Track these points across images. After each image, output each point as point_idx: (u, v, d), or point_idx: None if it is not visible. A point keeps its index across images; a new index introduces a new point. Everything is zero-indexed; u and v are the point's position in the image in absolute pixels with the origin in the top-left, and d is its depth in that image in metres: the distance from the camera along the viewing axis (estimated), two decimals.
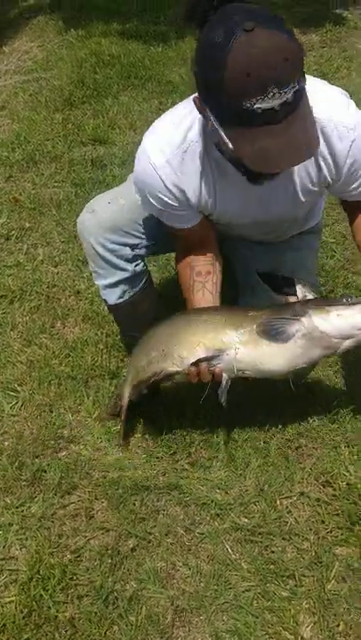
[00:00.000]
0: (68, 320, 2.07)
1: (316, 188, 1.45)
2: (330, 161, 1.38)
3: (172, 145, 1.37)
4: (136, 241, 1.62)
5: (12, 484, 1.60)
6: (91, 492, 1.58)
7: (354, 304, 1.41)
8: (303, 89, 1.14)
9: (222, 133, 1.18)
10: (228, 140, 1.17)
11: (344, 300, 1.43)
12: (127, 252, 1.63)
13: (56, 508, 1.55)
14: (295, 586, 1.38)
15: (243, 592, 1.37)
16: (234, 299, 1.78)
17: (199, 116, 1.30)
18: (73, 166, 2.86)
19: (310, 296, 1.69)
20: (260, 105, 1.08)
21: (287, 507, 1.52)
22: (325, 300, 1.46)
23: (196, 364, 1.45)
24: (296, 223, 1.67)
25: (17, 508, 1.55)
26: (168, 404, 1.75)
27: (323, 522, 1.49)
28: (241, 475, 1.59)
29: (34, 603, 1.36)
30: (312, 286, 1.74)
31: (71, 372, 1.87)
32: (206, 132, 1.33)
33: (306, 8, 4.77)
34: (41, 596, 1.37)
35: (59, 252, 2.38)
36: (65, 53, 4.10)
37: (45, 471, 1.62)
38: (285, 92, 1.09)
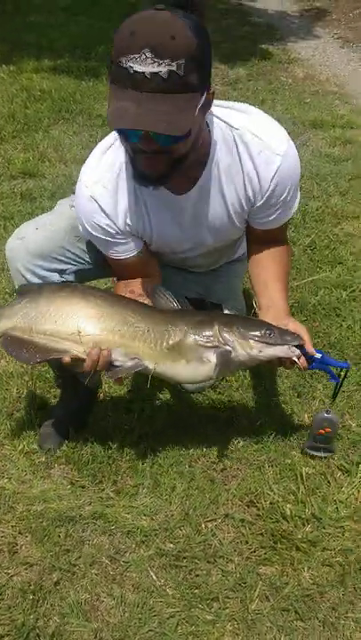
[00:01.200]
0: None
1: (245, 208, 1.49)
2: (255, 181, 1.43)
3: (105, 172, 1.43)
4: (64, 266, 1.62)
5: None
6: (14, 526, 1.55)
7: (275, 344, 1.42)
8: (186, 84, 1.16)
9: (108, 94, 1.23)
10: (107, 98, 1.23)
11: (266, 333, 1.42)
12: (56, 277, 1.62)
13: None
14: (219, 608, 1.38)
15: (167, 619, 1.36)
16: None
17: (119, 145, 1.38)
18: (2, 199, 2.87)
19: None
20: (132, 64, 1.13)
21: (212, 529, 1.53)
22: (248, 330, 1.42)
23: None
24: (232, 248, 1.72)
25: None
26: (93, 433, 1.75)
27: (247, 542, 1.50)
28: (166, 500, 1.59)
29: None
30: (238, 312, 1.79)
31: None
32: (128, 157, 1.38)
33: (234, 44, 4.99)
34: None
35: None
36: None
37: None
38: (160, 64, 1.12)
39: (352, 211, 2.77)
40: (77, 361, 1.43)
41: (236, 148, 1.40)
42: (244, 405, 1.83)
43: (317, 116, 3.71)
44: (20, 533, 1.54)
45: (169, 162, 1.28)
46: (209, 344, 1.42)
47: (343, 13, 6.02)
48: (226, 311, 1.80)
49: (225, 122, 1.41)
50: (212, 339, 1.42)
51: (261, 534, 1.51)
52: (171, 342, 1.42)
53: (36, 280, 1.60)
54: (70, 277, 1.65)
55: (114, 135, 1.43)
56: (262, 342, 1.42)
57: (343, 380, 1.57)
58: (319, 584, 1.42)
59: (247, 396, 1.86)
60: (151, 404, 1.85)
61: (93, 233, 1.49)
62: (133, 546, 1.50)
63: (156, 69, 1.13)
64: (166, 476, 1.65)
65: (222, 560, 1.47)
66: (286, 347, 1.42)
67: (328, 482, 1.63)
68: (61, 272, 1.63)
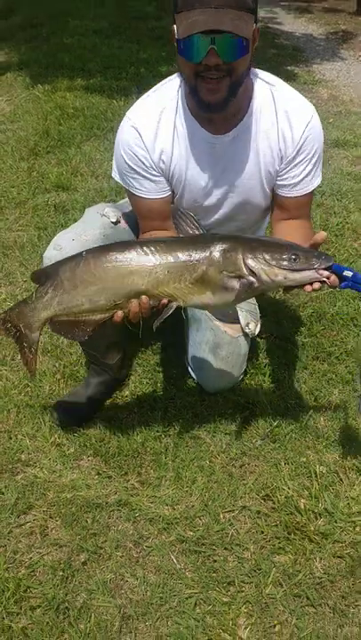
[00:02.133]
0: None
1: (275, 166, 1.61)
2: (288, 133, 1.57)
3: (149, 109, 1.58)
4: None
5: None
6: (45, 511, 1.66)
7: (301, 270, 1.36)
8: (246, 4, 1.35)
9: (175, 28, 1.39)
10: (175, 30, 1.39)
11: (291, 259, 1.36)
12: None
13: (12, 526, 1.63)
14: (235, 592, 1.48)
15: (186, 599, 1.46)
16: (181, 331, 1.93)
17: (176, 80, 1.56)
18: (37, 211, 3.02)
19: (252, 323, 1.83)
20: None
21: (230, 520, 1.63)
22: (273, 256, 1.37)
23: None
24: (253, 218, 1.77)
25: None
26: (120, 428, 1.86)
27: (262, 532, 1.60)
28: (187, 491, 1.70)
29: None
30: (253, 315, 1.89)
31: (29, 401, 1.97)
32: (180, 93, 1.56)
33: (261, 66, 5.14)
34: None
35: (21, 291, 2.50)
36: (31, 107, 4.32)
37: (3, 493, 1.71)
38: None
39: None
40: (123, 318, 1.47)
41: (273, 100, 1.56)
42: (263, 407, 1.93)
43: (340, 135, 3.82)
44: (50, 517, 1.65)
45: (229, 85, 1.42)
46: (233, 274, 1.40)
47: None
48: (241, 314, 1.87)
49: (262, 79, 1.58)
50: (236, 269, 1.39)
51: (276, 525, 1.61)
52: (195, 277, 1.41)
53: None
54: None
55: (159, 84, 1.59)
56: (287, 269, 1.36)
57: None
58: (330, 574, 1.51)
59: (265, 398, 1.95)
60: (174, 404, 1.95)
61: (129, 163, 1.60)
62: (156, 532, 1.61)
63: None
64: (188, 470, 1.75)
65: (239, 548, 1.57)
66: (312, 271, 1.36)
67: (341, 480, 1.72)
68: None
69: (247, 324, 1.88)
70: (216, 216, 1.73)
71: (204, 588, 1.48)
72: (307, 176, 1.64)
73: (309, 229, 1.73)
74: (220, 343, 1.87)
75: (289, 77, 4.87)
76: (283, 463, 1.77)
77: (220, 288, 1.41)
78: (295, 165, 1.61)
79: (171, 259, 1.41)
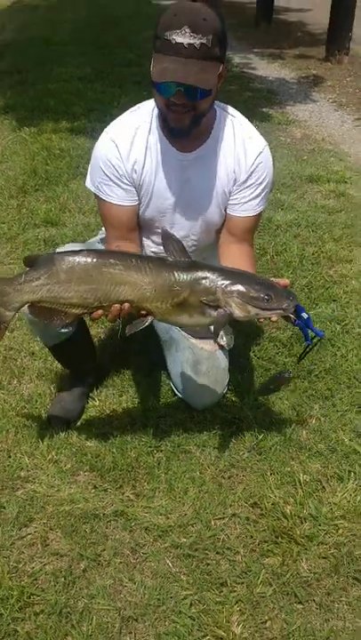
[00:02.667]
0: (23, 378, 2.29)
1: (230, 186, 1.81)
2: (242, 159, 1.79)
3: (126, 127, 1.77)
4: None
5: None
6: (46, 523, 1.75)
7: (272, 309, 1.54)
8: (212, 54, 1.56)
9: (153, 61, 1.59)
10: (152, 66, 1.58)
11: (265, 299, 1.52)
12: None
13: (14, 538, 1.71)
14: (228, 592, 1.57)
15: (182, 600, 1.55)
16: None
17: (150, 103, 1.76)
18: (27, 245, 3.15)
19: (226, 336, 1.96)
20: (174, 37, 1.52)
21: (220, 526, 1.73)
22: (249, 294, 1.52)
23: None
24: (210, 238, 1.95)
25: None
26: (114, 444, 1.96)
27: (252, 537, 1.70)
28: (180, 501, 1.80)
29: None
30: (226, 329, 2.01)
31: (27, 422, 2.07)
32: (154, 115, 1.76)
33: (237, 108, 5.40)
34: (0, 614, 1.52)
35: (16, 320, 2.61)
36: (19, 148, 4.49)
37: (4, 507, 1.79)
38: (195, 37, 1.51)
39: (345, 255, 3.04)
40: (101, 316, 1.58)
41: (233, 130, 1.79)
42: (248, 422, 2.04)
43: (314, 171, 4.03)
44: (50, 529, 1.73)
45: (192, 117, 1.64)
46: (211, 304, 1.54)
47: (337, 80, 6.48)
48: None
49: (227, 112, 1.81)
50: (214, 300, 1.54)
51: (264, 530, 1.71)
52: (176, 301, 1.54)
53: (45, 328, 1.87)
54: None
55: (135, 106, 1.81)
56: (261, 308, 1.53)
57: (314, 346, 1.78)
58: (316, 573, 1.61)
59: (251, 414, 2.07)
60: (165, 421, 2.06)
61: (105, 170, 1.77)
62: (151, 540, 1.70)
63: (192, 41, 1.52)
64: (180, 482, 1.85)
65: (230, 552, 1.66)
66: (280, 311, 1.55)
67: (323, 487, 1.84)
68: None
69: (221, 337, 2.00)
70: (177, 230, 1.86)
71: (198, 589, 1.57)
72: (254, 199, 1.83)
73: (252, 257, 1.92)
74: (200, 359, 2.00)
75: (264, 118, 5.12)
76: (269, 473, 1.88)
77: (197, 313, 1.56)
78: (245, 188, 1.81)
79: (160, 281, 1.54)
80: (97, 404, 2.14)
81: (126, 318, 1.59)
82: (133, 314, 1.58)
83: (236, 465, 1.91)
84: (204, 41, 1.52)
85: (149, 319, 1.58)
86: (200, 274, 1.54)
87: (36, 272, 1.56)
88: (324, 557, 1.65)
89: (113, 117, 1.84)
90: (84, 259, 1.55)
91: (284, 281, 1.60)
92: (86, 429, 2.04)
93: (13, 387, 2.25)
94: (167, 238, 1.58)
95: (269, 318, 1.56)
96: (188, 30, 1.51)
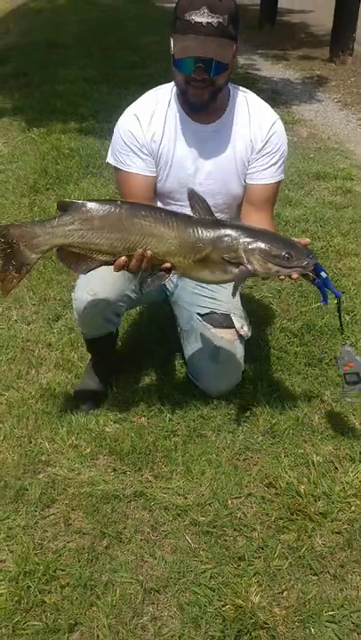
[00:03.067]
0: (41, 368, 2.35)
1: (247, 154, 1.90)
2: (257, 128, 1.89)
3: (147, 102, 1.90)
4: (122, 308, 2.03)
5: None
6: (68, 503, 1.81)
7: (292, 267, 1.60)
8: (228, 32, 1.69)
9: (172, 42, 1.71)
10: (172, 46, 1.70)
11: (285, 257, 1.58)
12: (115, 320, 2.05)
13: (38, 518, 1.77)
14: (246, 565, 1.63)
15: (202, 573, 1.61)
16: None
17: (169, 85, 1.88)
18: None
19: (246, 326, 2.03)
20: (193, 17, 1.65)
21: (237, 505, 1.79)
22: (270, 251, 1.58)
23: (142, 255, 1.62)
24: (232, 208, 2.02)
25: (2, 520, 1.77)
26: (132, 428, 2.03)
27: (267, 514, 1.76)
28: (197, 482, 1.86)
29: (22, 592, 1.57)
30: (245, 319, 2.10)
31: (46, 409, 2.14)
32: (173, 93, 1.88)
33: None
34: (28, 586, 1.58)
35: (30, 313, 2.68)
36: (29, 148, 4.57)
37: (27, 489, 1.85)
38: (212, 17, 1.65)
39: (353, 249, 3.11)
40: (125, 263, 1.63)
41: (248, 104, 1.91)
42: (262, 408, 2.11)
43: (320, 169, 4.10)
44: (72, 510, 1.80)
45: (210, 92, 1.76)
46: (233, 261, 1.60)
47: (342, 80, 6.55)
48: (234, 319, 2.06)
49: (240, 89, 1.97)
50: (235, 257, 1.60)
51: (280, 508, 1.77)
52: (198, 257, 1.61)
53: (103, 324, 2.02)
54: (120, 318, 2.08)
55: (155, 88, 1.94)
56: (281, 266, 1.59)
57: (340, 309, 1.80)
58: (330, 547, 1.67)
59: (264, 400, 2.13)
60: (181, 407, 2.13)
61: (125, 140, 1.87)
62: (170, 518, 1.76)
63: (210, 20, 1.65)
64: (196, 464, 1.91)
65: (247, 529, 1.72)
66: (300, 269, 1.60)
67: (336, 468, 1.90)
68: (119, 315, 2.04)
69: (241, 327, 2.07)
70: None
71: (217, 563, 1.64)
72: (272, 166, 1.93)
73: (272, 226, 1.98)
74: (219, 348, 2.06)
75: None
76: (283, 455, 1.94)
77: (219, 270, 1.62)
78: (263, 156, 1.91)
79: (184, 236, 1.60)
80: (115, 390, 2.20)
81: (148, 269, 1.65)
82: (156, 265, 1.64)
83: (250, 448, 1.97)
84: (220, 20, 1.65)
85: (170, 275, 1.65)
86: (223, 231, 1.60)
87: (71, 217, 1.59)
88: (337, 532, 1.71)
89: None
90: (117, 208, 1.61)
91: (305, 240, 1.67)
92: (104, 415, 2.10)
93: (32, 376, 2.32)
94: (193, 197, 1.66)
95: (290, 276, 1.62)
96: (206, 10, 1.64)
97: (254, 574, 1.61)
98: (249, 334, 2.09)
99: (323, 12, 8.70)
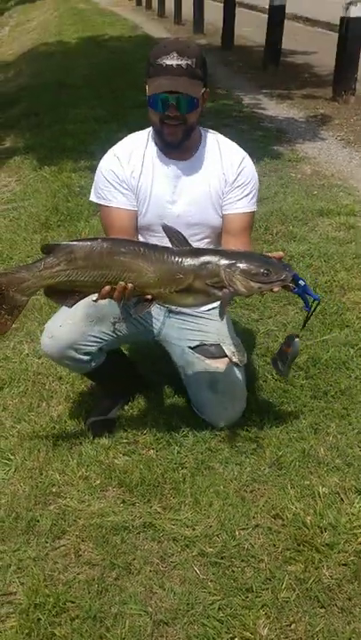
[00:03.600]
0: (52, 401, 2.40)
1: (221, 188, 2.00)
2: (228, 164, 2.01)
3: (126, 145, 2.03)
4: (91, 348, 2.06)
5: (9, 532, 1.86)
6: (78, 535, 1.84)
7: (272, 282, 1.66)
8: (197, 74, 1.84)
9: (146, 86, 1.87)
10: (147, 89, 1.86)
11: (264, 273, 1.64)
12: (87, 359, 2.08)
13: (48, 550, 1.80)
14: (254, 597, 1.65)
15: (210, 605, 1.63)
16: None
17: (146, 129, 2.02)
18: None
19: (237, 355, 2.10)
20: (164, 61, 1.81)
21: (245, 536, 1.82)
22: (250, 270, 1.64)
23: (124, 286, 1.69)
24: (208, 233, 2.09)
25: (14, 552, 1.80)
26: (140, 462, 2.06)
27: (274, 545, 1.78)
28: (205, 514, 1.88)
29: (32, 625, 1.59)
30: (236, 346, 2.15)
31: (57, 441, 2.18)
32: (149, 135, 2.01)
33: (248, 146, 5.60)
34: (39, 619, 1.60)
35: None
36: (40, 186, 4.70)
37: (38, 521, 1.88)
38: (182, 59, 1.80)
39: (357, 283, 3.17)
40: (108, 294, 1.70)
41: (218, 144, 2.04)
42: (269, 440, 2.14)
43: (324, 205, 4.19)
44: (82, 541, 1.83)
45: (183, 130, 1.89)
46: (216, 285, 1.67)
47: (345, 119, 6.69)
48: (225, 348, 2.13)
49: (207, 130, 2.08)
50: (218, 281, 1.66)
51: (286, 539, 1.79)
52: (180, 287, 1.68)
53: (73, 364, 2.10)
54: (98, 354, 2.10)
55: (132, 134, 2.07)
56: (262, 282, 1.65)
57: (313, 310, 1.84)
58: (337, 579, 1.69)
59: (271, 432, 2.17)
60: (188, 439, 2.16)
61: (106, 177, 1.99)
62: (179, 549, 1.79)
63: (180, 62, 1.81)
64: (204, 495, 1.94)
65: (254, 560, 1.75)
66: (281, 281, 1.67)
67: (342, 499, 1.92)
68: (89, 354, 2.07)
69: (233, 354, 2.13)
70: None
71: (225, 595, 1.66)
72: (246, 197, 2.02)
73: (250, 248, 2.07)
74: (216, 378, 2.12)
75: (275, 156, 5.31)
76: (289, 487, 1.97)
77: (201, 295, 1.69)
78: (236, 188, 2.01)
79: (164, 268, 1.67)
80: (123, 423, 2.25)
81: (130, 299, 1.73)
82: (138, 295, 1.73)
83: (257, 479, 2.00)
84: (189, 62, 1.81)
85: (153, 303, 1.74)
86: (203, 259, 1.67)
87: (56, 259, 1.68)
88: (344, 564, 1.73)
89: None
90: (99, 246, 1.69)
91: (279, 254, 1.75)
92: (114, 448, 2.14)
93: (43, 409, 2.36)
94: (167, 229, 1.74)
95: (271, 290, 1.68)
96: (175, 54, 1.81)
97: (262, 606, 1.62)
98: (244, 360, 2.15)
99: (325, 52, 8.93)
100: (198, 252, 1.71)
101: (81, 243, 1.71)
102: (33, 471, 2.07)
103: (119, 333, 2.09)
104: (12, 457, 2.13)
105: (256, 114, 6.82)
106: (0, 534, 1.86)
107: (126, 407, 2.33)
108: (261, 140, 5.74)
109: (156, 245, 1.76)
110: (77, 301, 1.77)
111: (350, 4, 6.91)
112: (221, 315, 1.72)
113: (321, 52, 10.01)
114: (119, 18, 16.95)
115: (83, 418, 2.28)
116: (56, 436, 2.20)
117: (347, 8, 6.96)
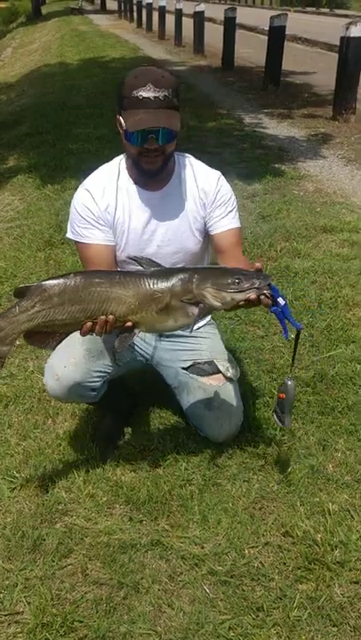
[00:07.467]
0: (58, 418, 2.39)
1: (200, 212, 1.99)
2: (204, 187, 1.99)
3: (98, 178, 1.99)
4: (96, 384, 2.06)
5: (15, 551, 1.83)
6: (85, 553, 1.82)
7: (244, 290, 1.61)
8: (174, 104, 1.80)
9: (121, 119, 1.82)
10: (123, 123, 1.81)
11: (235, 282, 1.61)
12: (92, 394, 2.08)
13: (55, 569, 1.78)
14: (265, 616, 1.62)
15: (220, 624, 1.61)
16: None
17: (116, 159, 1.99)
18: None
19: (231, 369, 2.10)
20: (141, 93, 1.76)
21: (254, 554, 1.79)
22: (220, 282, 1.63)
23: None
24: (188, 259, 2.06)
25: (20, 570, 1.78)
26: (147, 479, 2.04)
27: (285, 564, 1.76)
28: (214, 531, 1.86)
29: None
30: (230, 361, 2.15)
31: (63, 458, 2.16)
32: (120, 166, 1.97)
33: (250, 164, 5.64)
34: (46, 639, 1.58)
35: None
36: (43, 204, 4.72)
37: (44, 539, 1.86)
38: (158, 91, 1.76)
39: None
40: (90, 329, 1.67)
41: (192, 168, 2.02)
42: (277, 456, 2.12)
43: (327, 222, 4.20)
44: (89, 559, 1.80)
45: (161, 160, 1.87)
46: (191, 302, 1.65)
47: (345, 137, 6.74)
48: (219, 365, 2.12)
49: (184, 155, 2.05)
50: (192, 297, 1.64)
51: (297, 557, 1.77)
52: (160, 307, 1.65)
53: (80, 400, 2.14)
54: (103, 387, 2.10)
55: (102, 165, 2.03)
56: (234, 291, 1.62)
57: (297, 341, 1.77)
58: (348, 597, 1.66)
59: (279, 448, 2.15)
60: (196, 456, 2.14)
61: (81, 214, 1.94)
62: (188, 568, 1.76)
63: (157, 94, 1.76)
64: (213, 513, 1.92)
65: (265, 578, 1.72)
66: (255, 290, 1.61)
67: (352, 516, 1.90)
68: (95, 389, 2.07)
69: (227, 369, 2.12)
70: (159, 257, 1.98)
71: (236, 614, 1.63)
72: (229, 213, 2.01)
73: (246, 262, 2.01)
74: (212, 396, 2.10)
75: (277, 174, 5.34)
76: (298, 504, 1.94)
77: (181, 315, 1.67)
78: (217, 207, 2.00)
79: (142, 292, 1.65)
80: (130, 440, 2.23)
81: (110, 331, 1.69)
82: (119, 327, 1.69)
83: (266, 497, 1.98)
84: (166, 93, 1.78)
85: (136, 332, 1.71)
86: (176, 276, 1.66)
87: (30, 300, 1.64)
88: (355, 582, 1.70)
89: None
90: (72, 281, 1.65)
91: (257, 265, 1.69)
92: (121, 465, 2.12)
93: (48, 426, 2.35)
94: (135, 258, 1.74)
95: (248, 299, 1.62)
96: (151, 86, 1.77)
97: (273, 625, 1.60)
98: (237, 374, 2.15)
99: (324, 72, 9.04)
100: (171, 271, 1.70)
101: (53, 280, 1.66)
102: (39, 489, 2.05)
103: (120, 363, 2.08)
104: (17, 475, 2.12)
105: (257, 133, 6.87)
106: (6, 553, 1.84)
107: (132, 424, 2.32)
108: (263, 158, 5.78)
109: (129, 271, 1.78)
110: (59, 342, 1.72)
111: (351, 23, 7.01)
112: (191, 329, 1.71)
113: (320, 72, 10.13)
114: (120, 40, 17.17)
115: (89, 435, 2.26)
116: (62, 454, 2.19)
117: (347, 28, 7.05)
